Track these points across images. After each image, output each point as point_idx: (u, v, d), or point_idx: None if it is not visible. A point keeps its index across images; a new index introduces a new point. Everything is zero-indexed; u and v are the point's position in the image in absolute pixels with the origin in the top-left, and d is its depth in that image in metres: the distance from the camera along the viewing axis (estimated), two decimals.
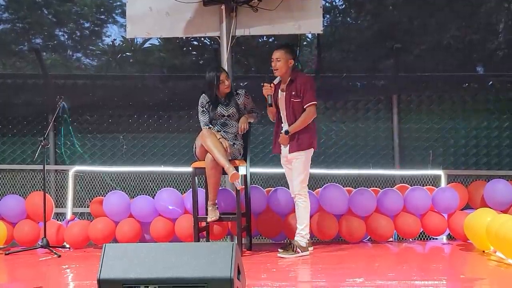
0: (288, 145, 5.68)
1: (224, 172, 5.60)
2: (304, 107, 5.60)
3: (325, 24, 7.58)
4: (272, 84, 5.71)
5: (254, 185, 6.45)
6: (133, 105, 7.98)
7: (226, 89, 5.79)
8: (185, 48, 9.41)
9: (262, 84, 5.72)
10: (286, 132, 5.65)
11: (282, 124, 5.78)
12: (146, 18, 6.58)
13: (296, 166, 5.65)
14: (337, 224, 6.27)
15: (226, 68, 6.18)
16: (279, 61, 5.67)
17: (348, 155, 7.62)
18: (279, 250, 5.78)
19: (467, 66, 8.31)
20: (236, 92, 5.93)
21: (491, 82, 8.09)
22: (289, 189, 6.37)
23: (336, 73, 8.01)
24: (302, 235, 5.61)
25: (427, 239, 6.86)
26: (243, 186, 5.84)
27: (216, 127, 5.76)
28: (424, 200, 6.37)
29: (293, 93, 5.64)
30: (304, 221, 5.64)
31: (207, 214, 5.69)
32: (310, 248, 5.76)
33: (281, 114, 5.79)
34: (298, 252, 5.52)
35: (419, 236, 6.72)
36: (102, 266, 3.21)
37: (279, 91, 5.77)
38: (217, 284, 3.12)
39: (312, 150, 5.69)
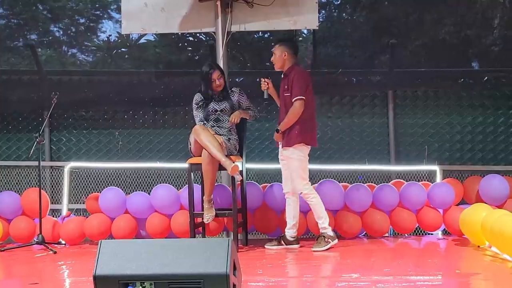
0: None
1: (220, 168, 5.61)
2: (292, 101, 5.58)
3: (321, 19, 7.58)
4: (266, 79, 5.75)
5: (250, 181, 6.45)
6: (128, 101, 7.97)
7: (218, 88, 5.80)
8: (180, 44, 9.40)
9: (258, 79, 5.75)
10: (276, 130, 5.68)
11: None
12: (142, 14, 6.57)
13: (290, 164, 5.65)
14: (333, 219, 6.27)
15: (221, 64, 6.18)
16: (274, 55, 5.73)
17: (344, 151, 7.63)
18: (265, 246, 5.81)
19: (463, 61, 8.32)
20: (230, 89, 5.93)
21: (486, 78, 8.10)
22: None
23: (332, 68, 8.01)
24: (325, 228, 5.63)
25: (422, 234, 6.88)
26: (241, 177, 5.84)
27: (209, 123, 5.77)
28: (419, 195, 6.38)
29: (286, 87, 5.64)
30: (320, 215, 5.63)
31: (203, 210, 5.69)
32: (297, 245, 5.78)
33: None
34: (329, 242, 5.56)
35: (415, 231, 6.74)
36: (97, 263, 3.21)
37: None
38: (213, 280, 3.12)
39: (303, 145, 5.62)
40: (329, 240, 5.58)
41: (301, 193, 5.66)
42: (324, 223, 5.63)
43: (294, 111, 5.55)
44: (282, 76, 5.76)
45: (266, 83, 5.75)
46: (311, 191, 5.66)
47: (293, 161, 5.61)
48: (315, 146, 5.82)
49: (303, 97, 5.55)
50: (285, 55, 5.67)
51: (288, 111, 5.59)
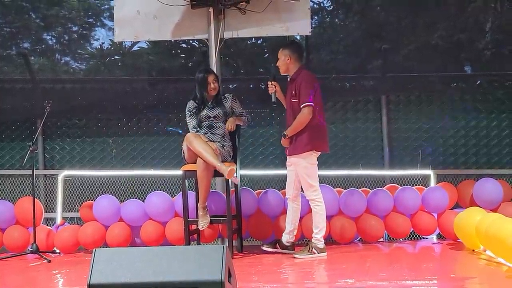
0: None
1: (215, 174, 5.60)
2: (300, 107, 5.47)
3: (313, 25, 7.58)
4: (273, 82, 5.65)
5: (244, 187, 6.45)
6: (122, 108, 7.96)
7: (212, 91, 5.80)
8: (173, 51, 9.38)
9: (266, 82, 5.70)
10: (283, 135, 5.58)
11: None
12: (134, 21, 6.57)
13: (298, 171, 5.55)
14: (328, 225, 6.27)
15: (214, 70, 6.18)
16: (279, 59, 5.64)
17: (338, 156, 7.63)
18: (262, 247, 5.82)
19: (455, 65, 8.34)
20: (223, 96, 5.94)
21: (479, 82, 8.13)
22: (279, 190, 6.39)
23: (325, 74, 8.00)
24: (317, 239, 5.57)
25: (417, 238, 6.89)
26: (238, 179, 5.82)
27: (203, 130, 5.77)
28: (414, 200, 6.40)
29: (293, 92, 5.53)
30: (318, 225, 5.57)
31: (197, 217, 5.68)
32: (292, 251, 5.73)
33: None
34: (314, 253, 5.50)
35: (410, 236, 6.75)
36: (92, 271, 3.20)
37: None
38: (208, 287, 3.11)
39: (311, 153, 5.51)
40: (315, 251, 5.51)
41: (308, 199, 5.60)
42: (318, 233, 5.57)
43: (301, 117, 5.43)
44: (289, 80, 5.65)
45: (273, 86, 5.65)
46: (318, 198, 5.55)
47: (300, 169, 5.52)
48: (327, 151, 5.70)
49: (312, 103, 5.42)
50: (288, 59, 5.57)
51: (296, 117, 5.49)
